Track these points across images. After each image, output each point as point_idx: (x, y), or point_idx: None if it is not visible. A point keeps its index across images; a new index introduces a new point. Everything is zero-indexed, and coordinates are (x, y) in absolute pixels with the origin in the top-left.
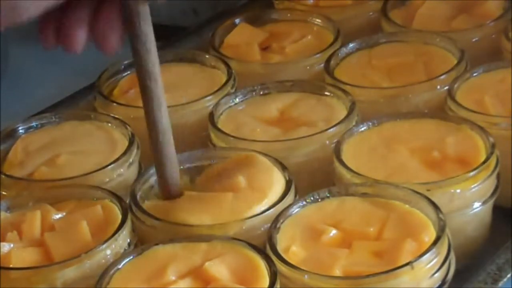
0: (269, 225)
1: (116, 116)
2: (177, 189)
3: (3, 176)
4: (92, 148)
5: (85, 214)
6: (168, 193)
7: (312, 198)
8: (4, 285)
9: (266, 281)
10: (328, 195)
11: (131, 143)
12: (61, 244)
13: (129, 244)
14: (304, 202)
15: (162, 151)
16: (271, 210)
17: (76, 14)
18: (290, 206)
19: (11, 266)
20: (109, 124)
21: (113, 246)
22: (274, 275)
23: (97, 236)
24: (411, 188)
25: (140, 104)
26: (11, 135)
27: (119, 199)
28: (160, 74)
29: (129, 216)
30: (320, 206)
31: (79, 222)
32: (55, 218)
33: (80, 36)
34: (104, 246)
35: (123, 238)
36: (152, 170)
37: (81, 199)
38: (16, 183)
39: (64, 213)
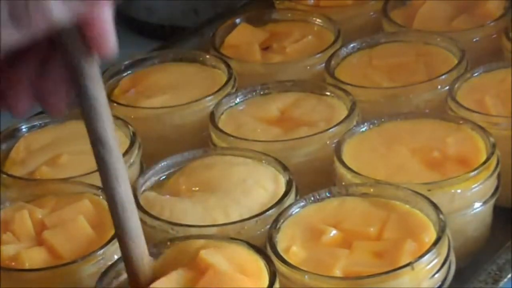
0: (269, 225)
1: (118, 116)
2: (146, 273)
3: (3, 175)
4: None
5: (76, 209)
6: (134, 279)
7: (312, 198)
8: (18, 286)
9: (265, 279)
10: (328, 195)
11: (132, 143)
12: (65, 240)
13: None
14: (304, 202)
15: (123, 227)
16: (272, 210)
17: (17, 75)
18: (290, 206)
19: (26, 267)
20: None
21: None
22: (273, 275)
23: (97, 229)
24: (411, 189)
25: (141, 104)
26: (14, 133)
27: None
28: (116, 140)
29: None
30: (320, 206)
31: (76, 217)
32: (41, 216)
33: (23, 100)
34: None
35: None
36: (153, 170)
37: (59, 195)
38: (16, 182)
39: (48, 210)
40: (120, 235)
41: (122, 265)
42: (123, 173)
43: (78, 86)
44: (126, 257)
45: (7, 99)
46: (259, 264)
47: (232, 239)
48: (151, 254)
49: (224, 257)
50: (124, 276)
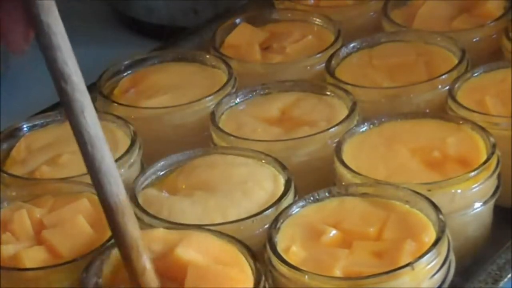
0: (267, 225)
1: (119, 116)
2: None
3: (3, 174)
4: None
5: (75, 208)
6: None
7: (312, 198)
8: (18, 285)
9: (246, 265)
10: (327, 195)
11: (133, 142)
12: (65, 240)
13: None
14: (304, 202)
15: (93, 164)
16: (271, 210)
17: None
18: (289, 206)
19: (26, 266)
20: (112, 124)
21: None
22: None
23: (96, 228)
24: (411, 189)
25: (141, 104)
26: (15, 133)
27: None
28: (78, 73)
29: None
30: (320, 206)
31: (75, 217)
32: (39, 215)
33: (18, 35)
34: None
35: None
36: (153, 168)
37: (57, 194)
38: (15, 181)
39: (46, 210)
40: (94, 178)
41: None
42: (89, 108)
43: (33, 20)
44: (102, 199)
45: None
46: (236, 251)
47: (201, 228)
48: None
49: (200, 251)
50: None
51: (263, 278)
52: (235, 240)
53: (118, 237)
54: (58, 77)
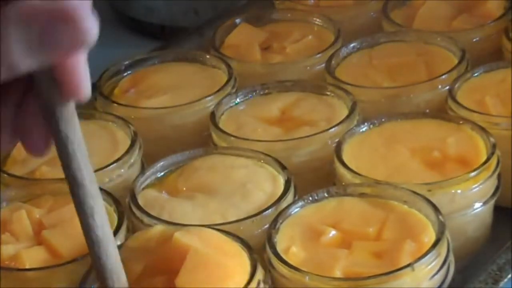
0: (266, 226)
1: (119, 116)
2: None
3: (3, 174)
4: (95, 148)
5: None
6: None
7: (310, 199)
8: (19, 285)
9: (246, 259)
10: (326, 195)
11: (133, 142)
12: (65, 239)
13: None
14: (303, 202)
15: (101, 267)
16: (270, 210)
17: None
18: (289, 206)
19: (26, 267)
20: (113, 124)
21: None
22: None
23: None
24: (410, 189)
25: (141, 104)
26: None
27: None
28: (92, 179)
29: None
30: (318, 206)
31: (75, 216)
32: (39, 215)
33: (3, 139)
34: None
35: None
36: (153, 168)
37: (56, 194)
38: (15, 181)
39: (45, 210)
40: (99, 274)
41: None
42: (99, 212)
43: (51, 127)
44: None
45: None
46: (235, 245)
47: (202, 226)
48: None
49: (200, 239)
50: None
51: (259, 271)
52: (234, 236)
53: None
54: (71, 182)
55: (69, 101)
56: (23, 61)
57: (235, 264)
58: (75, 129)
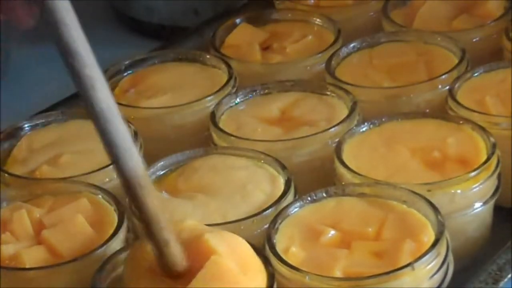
0: (266, 225)
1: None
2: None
3: (3, 174)
4: (95, 148)
5: (74, 208)
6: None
7: (309, 199)
8: (19, 285)
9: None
10: (325, 195)
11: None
12: (65, 239)
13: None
14: (302, 203)
15: (109, 141)
16: (271, 210)
17: None
18: (288, 206)
19: (26, 266)
20: None
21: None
22: (272, 276)
23: (96, 228)
24: (408, 189)
25: (141, 104)
26: (17, 132)
27: (102, 190)
28: (87, 47)
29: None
30: (318, 206)
31: (75, 216)
32: (39, 215)
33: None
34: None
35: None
36: (153, 168)
37: (57, 194)
38: (15, 180)
39: (45, 210)
40: (109, 151)
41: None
42: (99, 82)
43: None
44: (119, 173)
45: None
46: (257, 261)
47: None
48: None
49: (228, 247)
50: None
51: None
52: (258, 250)
53: (138, 211)
54: (65, 53)
55: None
56: None
57: (251, 283)
58: None
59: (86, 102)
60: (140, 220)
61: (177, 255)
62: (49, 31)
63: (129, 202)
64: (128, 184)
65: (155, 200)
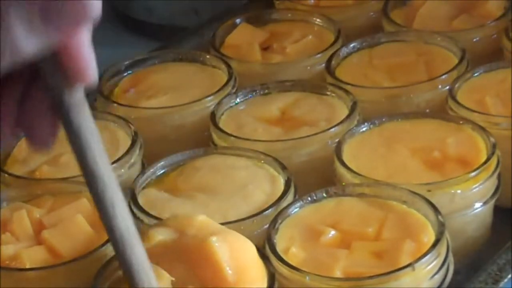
0: (266, 225)
1: (120, 116)
2: None
3: (3, 174)
4: None
5: (74, 208)
6: None
7: (309, 199)
8: (19, 285)
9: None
10: (325, 195)
11: (133, 142)
12: (65, 239)
13: None
14: (302, 203)
15: (126, 262)
16: (271, 209)
17: None
18: (288, 206)
19: (26, 266)
20: (113, 124)
21: None
22: (272, 277)
23: (96, 228)
24: (408, 189)
25: (141, 104)
26: None
27: None
28: (108, 167)
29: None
30: (317, 206)
31: (75, 216)
32: (39, 215)
33: (4, 132)
34: None
35: None
36: (153, 168)
37: (57, 194)
38: (16, 180)
39: (45, 210)
40: (125, 272)
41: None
42: (120, 204)
43: (62, 118)
44: (133, 285)
45: None
46: (262, 268)
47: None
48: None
49: (231, 251)
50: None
51: None
52: (263, 254)
53: None
54: (88, 175)
55: (76, 87)
56: (27, 42)
57: None
58: (87, 118)
59: (105, 221)
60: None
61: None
62: (73, 150)
63: (116, 255)
64: (115, 240)
65: (143, 253)
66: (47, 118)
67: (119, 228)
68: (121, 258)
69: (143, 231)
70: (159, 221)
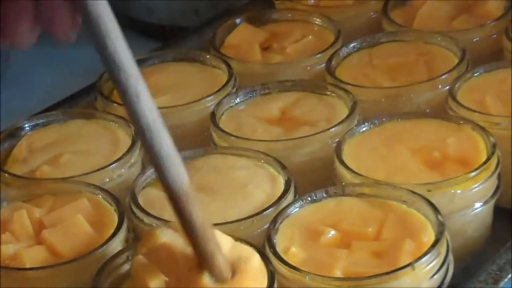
0: (266, 225)
1: (121, 115)
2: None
3: (3, 174)
4: (96, 148)
5: (74, 208)
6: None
7: (309, 199)
8: (19, 285)
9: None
10: (325, 195)
11: (133, 142)
12: (65, 239)
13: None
14: (301, 203)
15: (153, 150)
16: (271, 209)
17: (15, 4)
18: (288, 206)
19: (27, 266)
20: (114, 124)
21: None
22: (272, 275)
23: (96, 228)
24: (408, 189)
25: None
26: (17, 132)
27: (102, 190)
28: (129, 55)
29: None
30: (317, 206)
31: (75, 216)
32: (39, 215)
33: (25, 30)
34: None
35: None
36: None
37: (57, 194)
38: (16, 180)
39: (45, 210)
40: (154, 163)
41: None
42: (143, 93)
43: (81, 9)
44: (164, 186)
45: (10, 33)
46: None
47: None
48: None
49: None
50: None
51: None
52: (262, 253)
53: (184, 225)
54: (110, 64)
55: None
56: None
57: None
58: (104, 7)
59: (131, 114)
60: (186, 233)
61: (222, 267)
62: (94, 41)
63: (175, 215)
64: (173, 196)
65: (201, 213)
66: (66, 10)
67: (145, 117)
68: (149, 151)
69: (149, 231)
70: (167, 223)
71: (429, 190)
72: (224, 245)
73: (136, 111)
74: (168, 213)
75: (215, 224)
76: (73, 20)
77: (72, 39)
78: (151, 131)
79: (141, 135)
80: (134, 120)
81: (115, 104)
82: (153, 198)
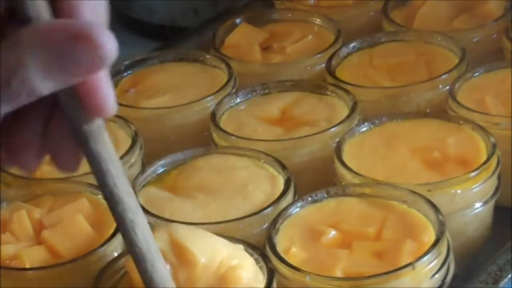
0: (265, 225)
1: (121, 116)
2: None
3: (3, 173)
4: None
5: (74, 208)
6: None
7: (310, 199)
8: (19, 285)
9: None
10: (325, 195)
11: (134, 142)
12: (65, 239)
13: None
14: (302, 203)
15: (150, 281)
16: (270, 208)
17: (24, 129)
18: (288, 206)
19: (27, 266)
20: (114, 124)
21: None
22: (271, 273)
23: (96, 228)
24: (408, 188)
25: (142, 104)
26: None
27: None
28: (130, 192)
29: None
30: (318, 207)
31: (75, 216)
32: (39, 215)
33: (31, 156)
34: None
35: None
36: (153, 167)
37: (57, 194)
38: (16, 180)
39: (45, 210)
40: (145, 284)
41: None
42: (140, 225)
43: (82, 146)
44: None
45: (17, 158)
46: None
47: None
48: None
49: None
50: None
51: None
52: (260, 253)
53: None
54: (109, 199)
55: (94, 119)
56: (43, 85)
57: None
58: (105, 145)
59: (128, 243)
60: None
61: None
62: (94, 176)
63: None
64: (139, 262)
65: (165, 269)
66: (70, 143)
67: (139, 247)
68: (143, 276)
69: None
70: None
71: (429, 190)
72: (218, 254)
73: (131, 241)
74: (168, 212)
75: (215, 223)
76: (75, 154)
77: (76, 170)
78: (145, 261)
79: (135, 262)
80: (128, 247)
81: None
82: (153, 197)
